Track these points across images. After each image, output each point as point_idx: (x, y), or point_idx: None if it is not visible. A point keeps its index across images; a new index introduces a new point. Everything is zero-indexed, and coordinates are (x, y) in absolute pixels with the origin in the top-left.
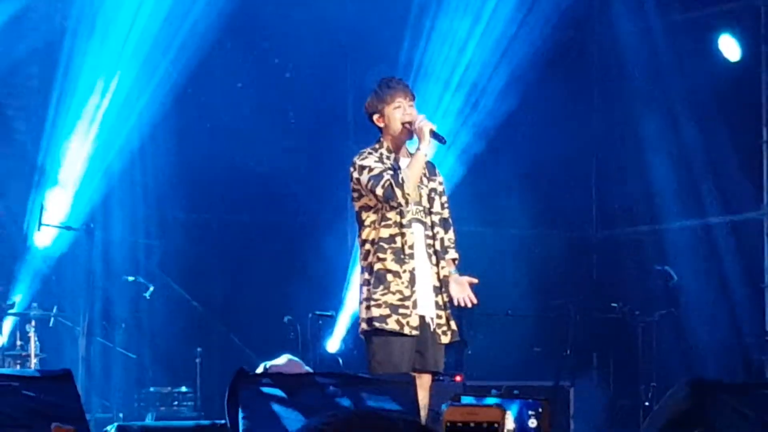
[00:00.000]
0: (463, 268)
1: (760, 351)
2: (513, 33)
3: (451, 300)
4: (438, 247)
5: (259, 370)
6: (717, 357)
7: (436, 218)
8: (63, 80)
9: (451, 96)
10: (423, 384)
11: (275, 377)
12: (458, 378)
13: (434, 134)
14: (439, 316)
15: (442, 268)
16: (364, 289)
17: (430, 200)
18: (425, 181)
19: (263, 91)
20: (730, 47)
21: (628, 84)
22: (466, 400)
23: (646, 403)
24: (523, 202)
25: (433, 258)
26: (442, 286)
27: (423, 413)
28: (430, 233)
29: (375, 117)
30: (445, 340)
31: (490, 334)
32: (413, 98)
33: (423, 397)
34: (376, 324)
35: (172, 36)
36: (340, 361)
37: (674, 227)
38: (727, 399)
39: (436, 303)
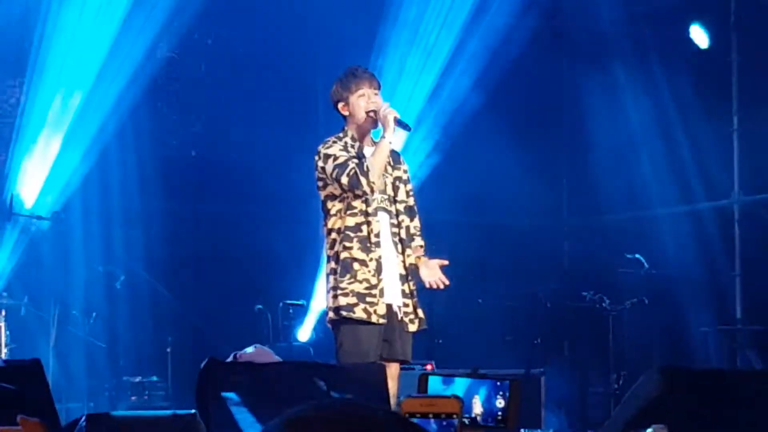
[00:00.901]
0: (434, 255)
1: (731, 339)
2: (486, 19)
3: (418, 288)
4: (403, 235)
5: (229, 359)
6: (688, 345)
7: (401, 206)
8: (34, 66)
9: (418, 81)
10: (392, 374)
11: (245, 366)
12: (429, 366)
13: (399, 122)
14: (405, 305)
15: (408, 256)
16: (331, 278)
17: (395, 189)
18: (390, 169)
19: (234, 82)
20: (700, 35)
21: (599, 72)
22: (434, 380)
23: (617, 391)
24: (493, 190)
25: (399, 246)
26: (408, 274)
27: (392, 402)
28: (395, 221)
29: (340, 105)
30: (413, 328)
31: (461, 323)
32: (379, 87)
33: (392, 386)
34: (344, 313)
35: (146, 26)
36: (311, 350)
37: (646, 215)
38: (697, 386)
39: (403, 291)
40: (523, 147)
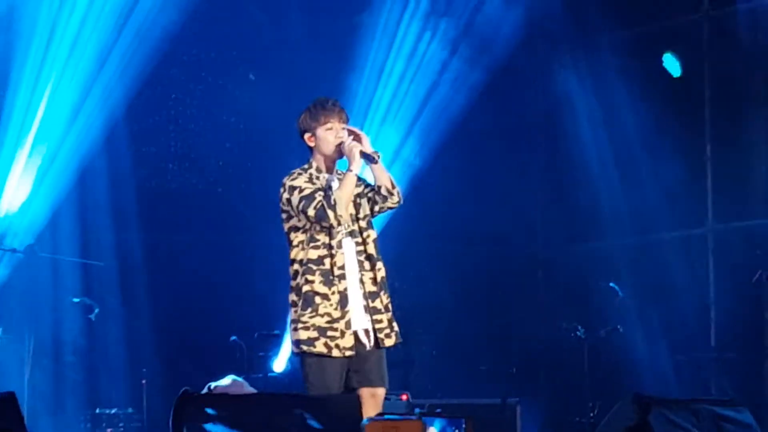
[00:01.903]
0: (410, 285)
1: (706, 367)
2: (455, 49)
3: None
4: (371, 250)
5: (204, 391)
6: (663, 373)
7: (363, 222)
8: (4, 97)
9: (396, 106)
10: (377, 401)
11: (219, 398)
12: (404, 397)
13: (364, 155)
14: (379, 321)
15: (379, 269)
16: (293, 310)
17: (356, 206)
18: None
19: (208, 111)
20: (672, 64)
21: (571, 100)
22: (389, 417)
23: (592, 420)
24: (469, 219)
25: (367, 264)
26: (381, 288)
27: None
28: (359, 239)
29: (306, 135)
30: (389, 342)
31: (437, 352)
32: (347, 121)
33: (378, 410)
34: (304, 347)
35: (120, 56)
36: (286, 380)
37: (620, 244)
38: (671, 415)
39: (374, 308)
40: (495, 177)
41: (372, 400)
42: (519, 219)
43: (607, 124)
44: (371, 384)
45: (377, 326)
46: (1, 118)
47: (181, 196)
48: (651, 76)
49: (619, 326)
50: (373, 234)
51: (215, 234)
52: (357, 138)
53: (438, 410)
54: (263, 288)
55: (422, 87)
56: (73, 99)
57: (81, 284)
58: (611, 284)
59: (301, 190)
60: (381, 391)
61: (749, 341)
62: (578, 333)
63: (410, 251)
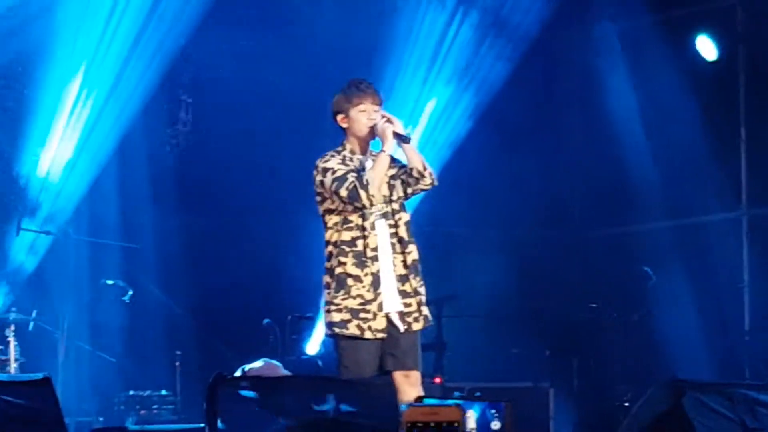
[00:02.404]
0: (442, 269)
1: (738, 351)
2: (489, 33)
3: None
4: (402, 233)
5: (238, 373)
6: (696, 357)
7: (396, 204)
8: (41, 84)
9: (431, 90)
10: (412, 382)
11: (253, 380)
12: (437, 380)
13: (397, 135)
14: (408, 304)
15: (409, 253)
16: (326, 292)
17: (390, 188)
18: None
19: (242, 93)
20: (707, 47)
21: (606, 84)
22: (428, 402)
23: (626, 404)
24: (503, 202)
25: (398, 246)
26: (411, 272)
27: None
28: (392, 222)
29: (339, 117)
30: (417, 327)
31: (470, 336)
32: (381, 103)
33: (417, 394)
34: (336, 329)
35: (150, 37)
36: (320, 363)
37: (653, 227)
38: (705, 399)
39: (404, 291)
40: (532, 158)
41: (406, 383)
42: (554, 202)
43: (641, 108)
44: (405, 367)
45: (406, 310)
46: (38, 102)
47: (214, 179)
48: (685, 59)
49: (652, 310)
50: (405, 216)
51: (249, 216)
52: (389, 121)
53: (478, 394)
54: (296, 270)
55: (454, 68)
56: (109, 80)
57: (115, 267)
58: (645, 268)
59: (333, 172)
60: (415, 374)
61: None
62: (612, 316)
63: (441, 234)
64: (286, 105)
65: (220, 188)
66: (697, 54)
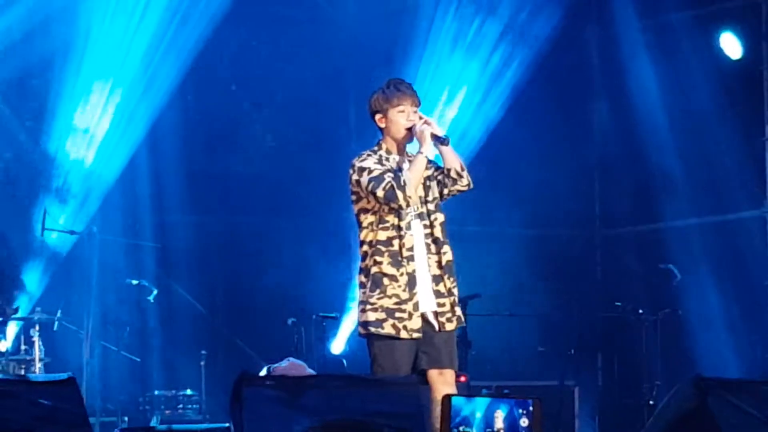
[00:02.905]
0: (466, 268)
1: (764, 349)
2: (510, 32)
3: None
4: (438, 233)
5: (262, 373)
6: (721, 355)
7: (431, 205)
8: (64, 86)
9: (450, 94)
10: (446, 380)
11: (278, 380)
12: (462, 378)
13: (435, 137)
14: (441, 304)
15: (444, 253)
16: (361, 292)
17: (426, 189)
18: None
19: (266, 93)
20: (731, 45)
21: (630, 82)
22: (457, 400)
23: (651, 402)
24: (527, 201)
25: (433, 247)
26: (445, 272)
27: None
28: (427, 222)
29: (377, 117)
30: (450, 327)
31: (495, 335)
32: (419, 104)
33: (451, 392)
34: (372, 329)
35: (170, 40)
36: (345, 362)
37: (678, 225)
38: (731, 397)
39: (438, 292)
40: (554, 158)
41: (441, 381)
42: (578, 200)
43: (665, 106)
44: (440, 365)
45: (439, 310)
46: (62, 104)
47: (240, 178)
48: (710, 57)
49: (677, 308)
50: (441, 217)
51: (273, 216)
52: (426, 123)
53: (506, 391)
54: (321, 270)
55: (474, 60)
56: (135, 79)
57: (140, 266)
58: (669, 266)
59: (370, 171)
60: (449, 372)
61: None
62: (637, 315)
63: (465, 232)
64: (310, 103)
65: (245, 188)
66: (721, 52)
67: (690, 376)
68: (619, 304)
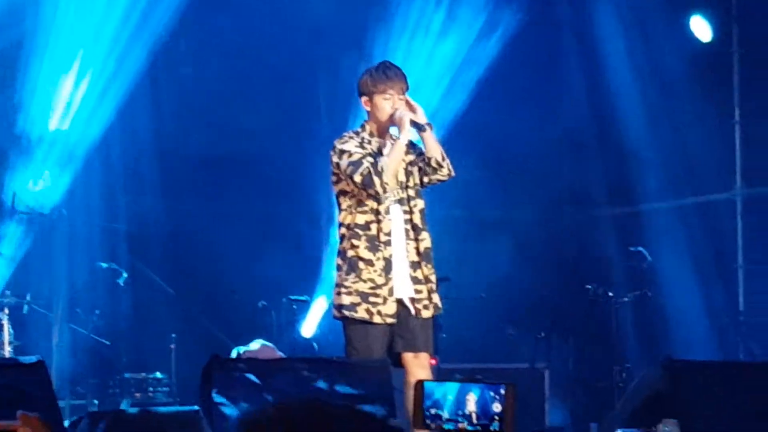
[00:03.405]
0: (436, 251)
1: (734, 331)
2: (483, 12)
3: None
4: (416, 220)
5: (233, 355)
6: (691, 338)
7: (412, 191)
8: (33, 67)
9: (420, 76)
10: (422, 363)
11: (249, 363)
12: (433, 361)
13: (414, 124)
14: (419, 291)
15: (422, 240)
16: (337, 274)
17: (407, 174)
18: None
19: (235, 75)
20: (701, 28)
21: (602, 65)
22: (429, 384)
23: (621, 385)
24: (497, 184)
25: (411, 233)
26: (422, 259)
27: (410, 394)
28: (407, 208)
29: (363, 99)
30: (426, 314)
31: (464, 318)
32: (406, 90)
33: (426, 376)
34: (345, 312)
35: (138, 22)
36: (315, 345)
37: (648, 208)
38: (700, 379)
39: (415, 278)
40: (524, 139)
41: (415, 364)
42: (548, 183)
43: (635, 89)
44: (414, 348)
45: (416, 296)
46: (31, 86)
47: (210, 161)
48: (681, 40)
49: (647, 290)
50: (420, 203)
51: (244, 199)
52: (411, 109)
53: (478, 376)
54: (292, 253)
55: (446, 41)
56: (98, 56)
57: (110, 249)
58: (640, 248)
59: (350, 155)
60: (424, 356)
61: None
62: (606, 297)
63: (435, 216)
64: (279, 86)
65: (214, 170)
66: (692, 34)
67: (660, 358)
68: (589, 286)
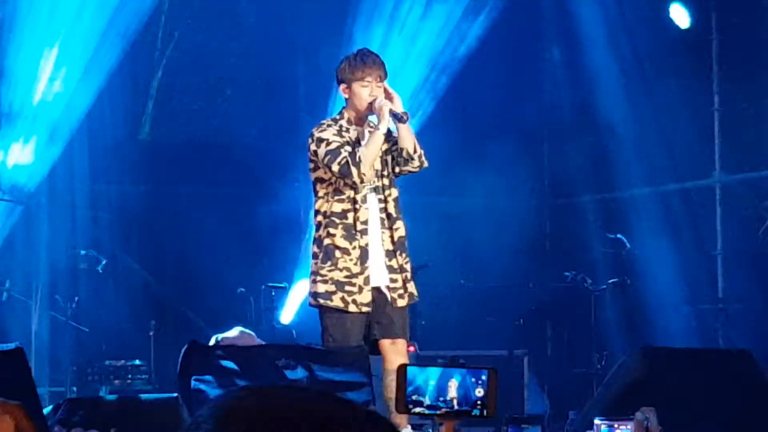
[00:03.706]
0: (414, 238)
1: (713, 318)
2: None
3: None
4: (391, 209)
5: (211, 342)
6: (670, 325)
7: (386, 180)
8: (9, 53)
9: (399, 63)
10: (399, 350)
11: (227, 350)
12: (411, 348)
13: (393, 114)
14: (394, 280)
15: (396, 229)
16: (313, 262)
17: (383, 163)
18: None
19: (212, 62)
20: (680, 15)
21: (581, 50)
22: (412, 370)
23: (600, 371)
24: (475, 170)
25: (386, 222)
26: (397, 248)
27: (390, 379)
28: (382, 197)
29: (341, 86)
30: (401, 303)
31: (444, 304)
32: (384, 78)
33: (403, 362)
34: (320, 300)
35: (115, 11)
36: (294, 332)
37: (627, 195)
38: (678, 366)
39: (390, 267)
40: (503, 128)
41: (393, 350)
42: (526, 170)
43: (611, 78)
44: (392, 335)
45: (392, 285)
46: (6, 71)
47: (189, 147)
48: (659, 27)
49: (626, 278)
50: (394, 192)
51: (222, 185)
52: (389, 97)
53: (461, 361)
54: (270, 240)
55: (424, 29)
56: (74, 44)
57: (88, 236)
58: (618, 235)
59: (328, 143)
60: (401, 342)
61: (756, 292)
62: (585, 284)
63: (416, 203)
64: (258, 74)
65: (194, 156)
66: (671, 21)
67: (638, 345)
68: (568, 273)
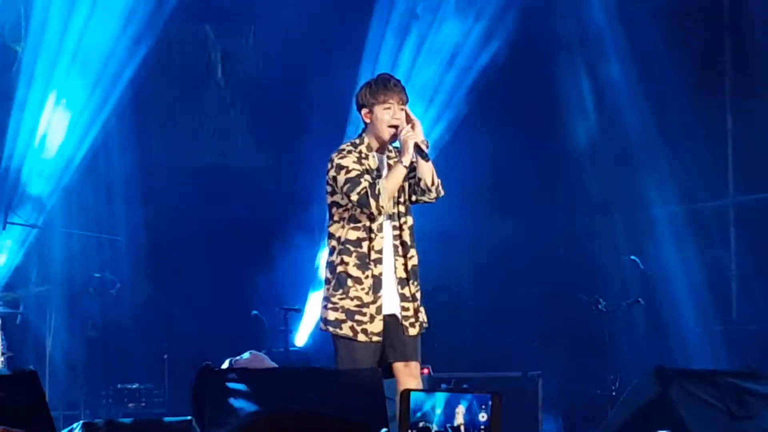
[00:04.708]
0: (430, 260)
1: (727, 340)
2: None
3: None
4: (406, 237)
5: (225, 365)
6: (684, 346)
7: (402, 207)
8: (23, 77)
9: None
10: (412, 372)
11: (240, 373)
12: (425, 371)
13: (418, 149)
14: (405, 308)
15: (410, 257)
16: (324, 287)
17: (401, 190)
18: None
19: (228, 86)
20: (694, 35)
21: (599, 72)
22: (417, 395)
23: (614, 393)
24: (489, 192)
25: (400, 249)
26: (410, 277)
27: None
28: (397, 224)
29: (363, 111)
30: (413, 332)
31: (458, 327)
32: (406, 102)
33: (416, 385)
34: (330, 328)
35: (130, 32)
36: (308, 355)
37: (641, 216)
38: (692, 387)
39: (402, 295)
40: (515, 150)
41: (406, 373)
42: (541, 191)
43: (626, 97)
44: (405, 358)
45: (403, 314)
46: (21, 97)
47: (203, 170)
48: (673, 46)
49: (640, 299)
50: (410, 220)
51: (236, 209)
52: (411, 123)
53: (465, 386)
54: (284, 262)
55: (441, 56)
56: (86, 70)
57: (102, 259)
58: (632, 257)
59: (348, 171)
60: (415, 365)
61: None
62: (600, 306)
63: (428, 228)
64: (273, 101)
65: (209, 181)
66: (684, 41)
67: (652, 366)
68: (582, 295)
